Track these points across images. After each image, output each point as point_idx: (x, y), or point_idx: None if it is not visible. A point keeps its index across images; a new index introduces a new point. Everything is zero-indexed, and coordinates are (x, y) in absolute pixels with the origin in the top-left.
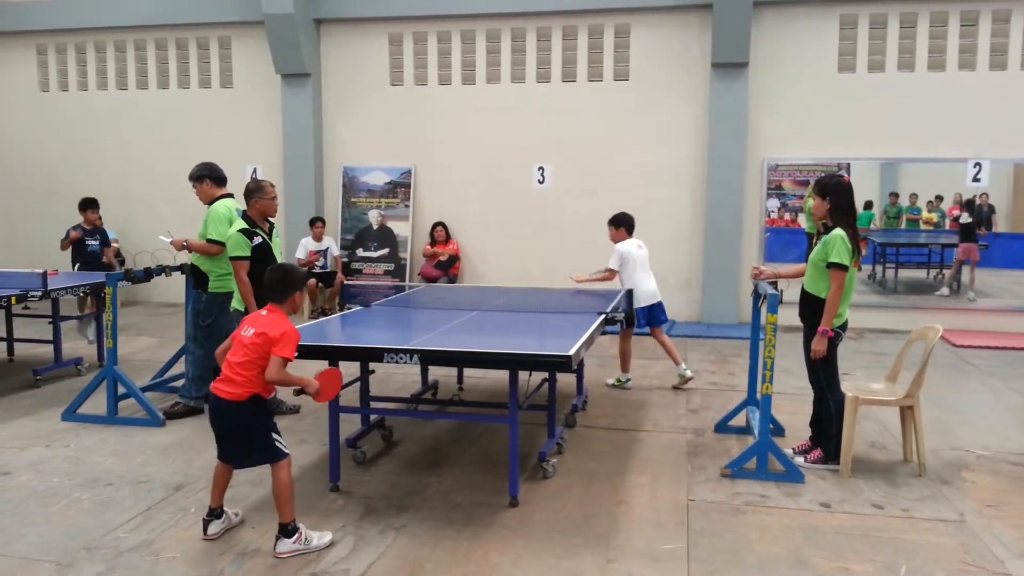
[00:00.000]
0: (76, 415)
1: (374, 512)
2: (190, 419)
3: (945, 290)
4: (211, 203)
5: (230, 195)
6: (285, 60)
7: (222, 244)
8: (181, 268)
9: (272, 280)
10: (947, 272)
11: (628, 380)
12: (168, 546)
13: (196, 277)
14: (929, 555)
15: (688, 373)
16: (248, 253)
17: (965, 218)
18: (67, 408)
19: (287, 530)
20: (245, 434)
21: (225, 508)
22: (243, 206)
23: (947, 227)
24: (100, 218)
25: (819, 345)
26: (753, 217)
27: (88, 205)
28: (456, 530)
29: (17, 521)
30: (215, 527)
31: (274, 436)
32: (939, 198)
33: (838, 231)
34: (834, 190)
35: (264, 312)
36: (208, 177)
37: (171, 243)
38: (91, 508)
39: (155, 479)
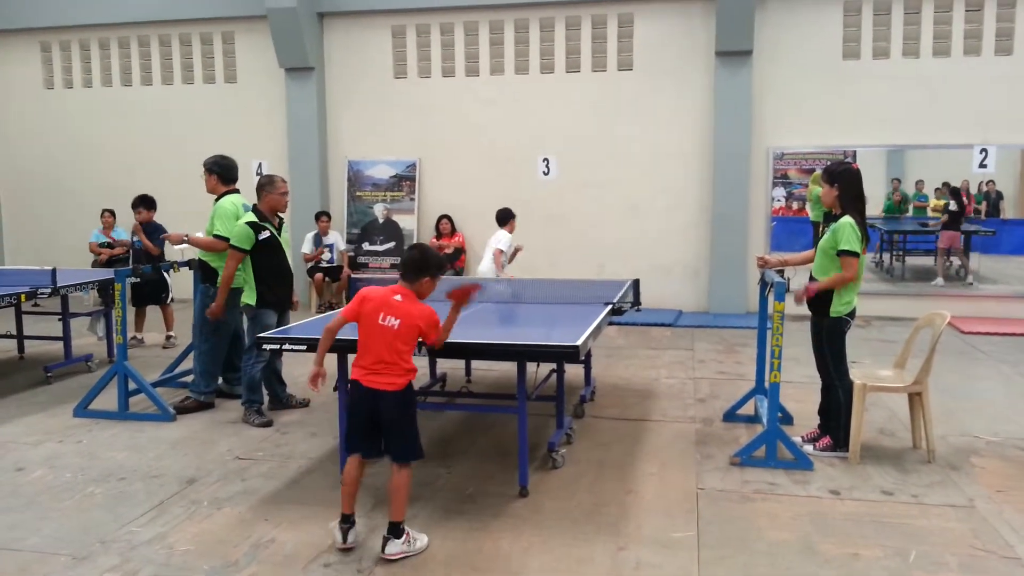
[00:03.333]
0: (88, 411)
1: (386, 503)
2: (200, 414)
3: (940, 280)
4: (218, 198)
5: (236, 191)
6: (288, 54)
7: (228, 240)
8: (189, 264)
9: (409, 259)
10: (939, 262)
11: None
12: (182, 539)
13: (204, 272)
14: (939, 541)
15: None
16: (248, 247)
17: (953, 206)
18: (78, 404)
19: (398, 529)
20: (407, 423)
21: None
22: (252, 200)
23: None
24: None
25: (800, 292)
26: (759, 206)
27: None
28: (467, 520)
29: (32, 515)
30: (352, 536)
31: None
32: (947, 185)
33: (847, 218)
34: (842, 177)
35: (399, 297)
36: (218, 174)
37: (165, 237)
38: (104, 502)
39: (167, 473)
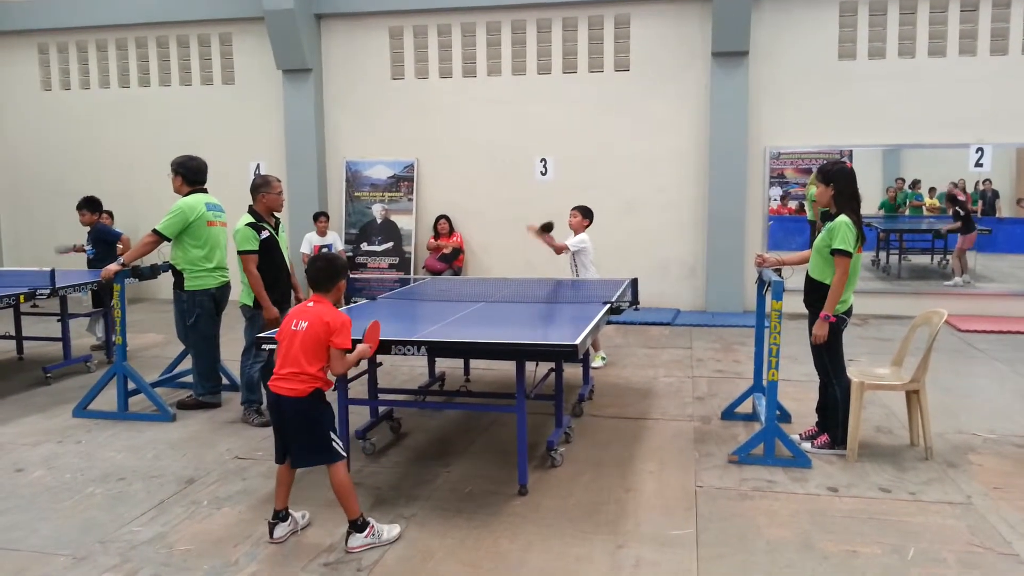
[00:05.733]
0: (87, 411)
1: (384, 502)
2: (200, 413)
3: (959, 280)
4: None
5: (203, 191)
6: (286, 56)
7: (164, 238)
8: (165, 268)
9: (317, 270)
10: (952, 261)
11: (604, 359)
12: (182, 539)
13: (176, 276)
14: (936, 537)
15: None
16: (256, 247)
17: (961, 211)
18: (78, 405)
19: (357, 525)
20: (307, 431)
21: (291, 510)
22: (215, 199)
23: (950, 214)
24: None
25: (820, 330)
26: (756, 205)
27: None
28: (466, 519)
29: (31, 516)
30: (281, 530)
31: (332, 436)
32: (949, 195)
33: (843, 217)
34: (837, 176)
35: (311, 304)
36: (182, 175)
37: (103, 275)
38: (104, 502)
39: (167, 473)
